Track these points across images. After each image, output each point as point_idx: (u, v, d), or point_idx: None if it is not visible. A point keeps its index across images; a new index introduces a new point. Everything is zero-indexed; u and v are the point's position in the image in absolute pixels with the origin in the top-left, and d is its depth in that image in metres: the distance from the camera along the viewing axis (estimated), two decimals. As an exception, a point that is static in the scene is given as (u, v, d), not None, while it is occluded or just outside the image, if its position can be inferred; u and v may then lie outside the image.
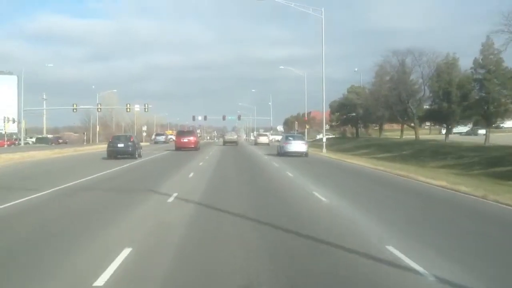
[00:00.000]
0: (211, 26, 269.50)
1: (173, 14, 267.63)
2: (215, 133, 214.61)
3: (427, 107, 51.28)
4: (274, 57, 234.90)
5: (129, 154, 33.94)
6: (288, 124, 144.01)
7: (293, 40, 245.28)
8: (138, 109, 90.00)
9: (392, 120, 62.19)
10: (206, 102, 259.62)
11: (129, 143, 34.66)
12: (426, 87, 50.87)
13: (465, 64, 56.91)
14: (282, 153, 35.40)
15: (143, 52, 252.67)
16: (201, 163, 29.54)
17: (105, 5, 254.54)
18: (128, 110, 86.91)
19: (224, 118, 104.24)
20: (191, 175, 21.54)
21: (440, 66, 47.64)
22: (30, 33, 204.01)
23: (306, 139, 67.16)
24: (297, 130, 74.33)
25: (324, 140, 47.32)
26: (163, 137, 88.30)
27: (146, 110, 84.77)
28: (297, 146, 35.56)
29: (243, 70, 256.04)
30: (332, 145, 58.73)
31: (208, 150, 47.66)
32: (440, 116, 47.51)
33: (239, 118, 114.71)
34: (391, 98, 53.49)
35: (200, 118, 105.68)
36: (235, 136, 63.20)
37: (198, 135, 62.03)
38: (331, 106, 75.30)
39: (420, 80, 51.57)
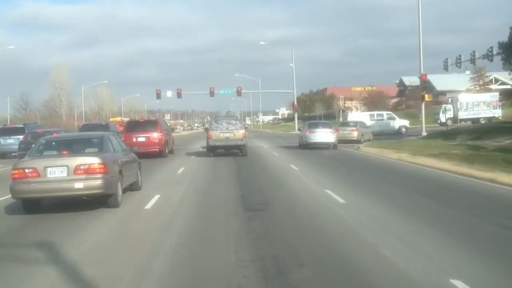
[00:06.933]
0: (201, 8, 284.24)
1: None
2: (208, 118, 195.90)
3: None
4: (269, 38, 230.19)
5: None
6: (300, 104, 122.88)
7: (286, 20, 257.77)
8: None
9: None
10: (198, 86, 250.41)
11: None
12: None
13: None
14: (304, 145, 32.41)
15: (132, 37, 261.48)
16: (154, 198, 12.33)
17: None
18: None
19: (212, 93, 73.77)
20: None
21: None
22: (12, 21, 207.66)
23: (405, 125, 48.08)
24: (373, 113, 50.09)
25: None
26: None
27: None
28: (323, 135, 31.87)
29: (236, 53, 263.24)
30: None
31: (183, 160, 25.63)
32: None
33: (239, 93, 77.69)
34: None
35: (170, 94, 77.01)
36: (241, 131, 26.75)
37: (171, 128, 37.90)
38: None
39: None
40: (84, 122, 65.74)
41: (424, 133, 38.57)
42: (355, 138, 36.17)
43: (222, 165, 21.59)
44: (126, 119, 69.01)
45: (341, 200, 11.47)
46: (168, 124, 44.50)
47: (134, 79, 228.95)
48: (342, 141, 34.62)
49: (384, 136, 42.50)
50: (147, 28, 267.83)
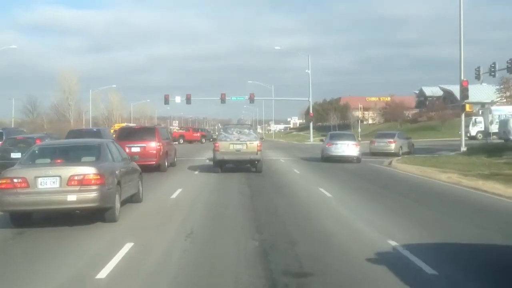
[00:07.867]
0: (212, 15, 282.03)
1: (172, 3, 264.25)
2: (218, 126, 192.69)
3: None
4: (281, 46, 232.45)
5: None
6: (313, 113, 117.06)
7: (298, 29, 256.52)
8: None
9: None
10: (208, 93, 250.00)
11: None
12: None
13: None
14: (325, 157, 29.65)
15: (143, 43, 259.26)
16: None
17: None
18: None
19: (223, 99, 71.02)
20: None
21: None
22: (25, 24, 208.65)
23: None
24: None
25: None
26: None
27: None
28: (345, 148, 29.09)
29: (247, 60, 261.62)
30: None
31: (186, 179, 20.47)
32: None
33: (251, 100, 74.17)
34: None
35: (179, 100, 74.27)
36: (255, 142, 21.58)
37: (168, 135, 29.79)
38: None
39: None
40: (91, 127, 61.80)
41: (464, 148, 33.72)
42: (392, 151, 32.39)
43: (231, 187, 16.80)
44: (133, 125, 64.89)
45: (428, 270, 6.79)
46: (210, 131, 40.05)
47: (145, 85, 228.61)
48: (378, 154, 31.97)
49: None
50: (158, 34, 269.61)
